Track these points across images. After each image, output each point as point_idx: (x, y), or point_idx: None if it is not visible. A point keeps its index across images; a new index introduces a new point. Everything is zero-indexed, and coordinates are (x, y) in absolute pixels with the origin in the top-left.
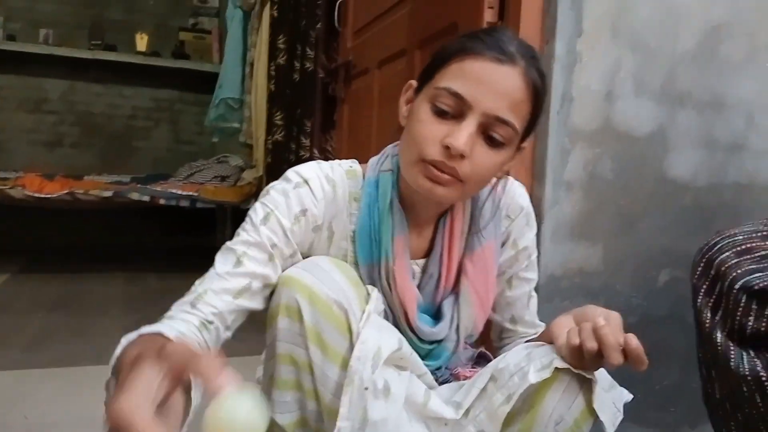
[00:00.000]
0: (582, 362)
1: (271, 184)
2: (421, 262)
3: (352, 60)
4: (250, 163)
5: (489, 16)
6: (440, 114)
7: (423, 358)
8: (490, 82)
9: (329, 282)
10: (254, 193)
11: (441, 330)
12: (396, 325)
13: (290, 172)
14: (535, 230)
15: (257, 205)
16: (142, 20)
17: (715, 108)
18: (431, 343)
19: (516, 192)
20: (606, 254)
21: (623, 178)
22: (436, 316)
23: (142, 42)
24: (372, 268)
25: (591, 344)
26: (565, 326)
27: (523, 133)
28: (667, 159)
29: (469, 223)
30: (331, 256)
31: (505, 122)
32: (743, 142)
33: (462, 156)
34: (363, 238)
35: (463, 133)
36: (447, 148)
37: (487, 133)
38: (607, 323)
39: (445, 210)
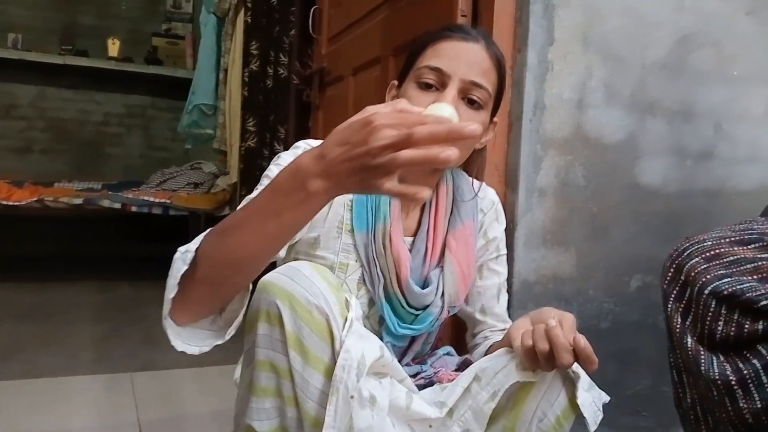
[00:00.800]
0: (537, 364)
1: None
2: (409, 239)
3: (326, 67)
4: (223, 169)
5: (462, 23)
6: (425, 87)
7: (410, 323)
8: (461, 55)
9: (310, 287)
10: (228, 200)
11: (429, 293)
12: (386, 290)
13: (298, 143)
14: (503, 227)
15: (270, 166)
16: (114, 25)
17: (684, 116)
18: (418, 310)
19: (488, 190)
20: (578, 260)
21: (595, 185)
22: (423, 287)
23: (114, 47)
24: (367, 234)
25: (543, 345)
26: (521, 328)
27: (493, 103)
28: (638, 166)
29: (451, 204)
30: (328, 220)
31: (479, 85)
32: (712, 150)
33: None
34: (360, 207)
35: (449, 95)
36: None
37: (467, 96)
38: (559, 324)
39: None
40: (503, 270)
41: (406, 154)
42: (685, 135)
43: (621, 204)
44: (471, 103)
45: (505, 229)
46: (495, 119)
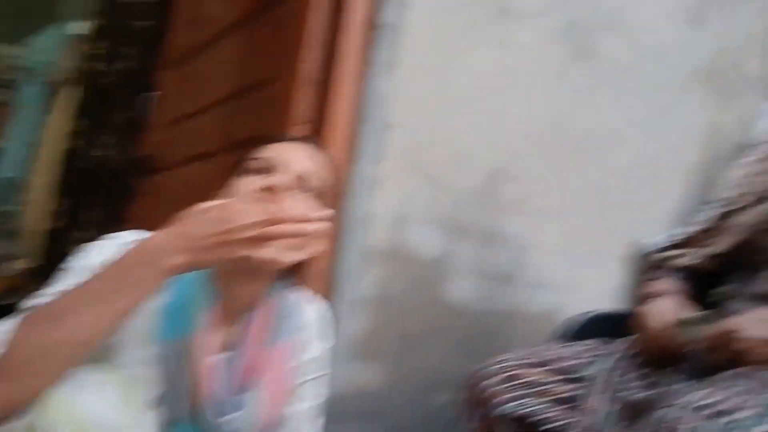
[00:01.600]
0: None
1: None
2: (223, 356)
3: (156, 154)
4: (18, 252)
5: (303, 130)
6: (255, 172)
7: None
8: (296, 150)
9: (94, 406)
10: (21, 285)
11: (236, 418)
12: (188, 410)
13: (118, 233)
14: (329, 344)
15: (73, 259)
16: None
17: (493, 241)
18: None
19: (314, 304)
20: (388, 374)
21: (411, 300)
22: (234, 408)
23: None
24: (173, 346)
25: None
26: None
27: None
28: (449, 284)
29: (275, 319)
30: (133, 326)
31: (313, 179)
32: (514, 274)
33: None
34: (169, 315)
35: (282, 180)
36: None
37: (303, 187)
38: None
39: (252, 306)
40: (322, 391)
41: (279, 227)
42: (491, 258)
43: (431, 320)
44: (306, 192)
45: None
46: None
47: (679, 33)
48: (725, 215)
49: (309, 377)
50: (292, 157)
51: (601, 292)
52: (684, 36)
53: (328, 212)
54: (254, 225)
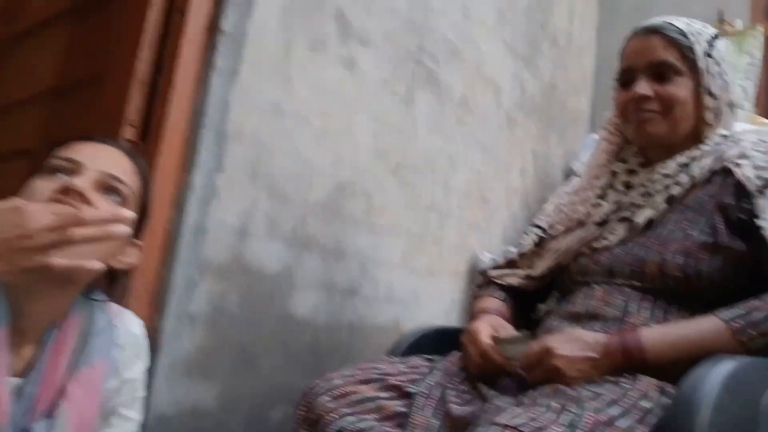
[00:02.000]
0: None
1: None
2: (15, 381)
3: None
4: None
5: (129, 133)
6: (52, 172)
7: None
8: (99, 152)
9: None
10: None
11: None
12: None
13: None
14: (145, 365)
15: None
16: None
17: (336, 255)
18: None
19: (131, 322)
20: (223, 393)
21: (248, 315)
22: None
23: None
24: None
25: None
26: None
27: (138, 220)
28: (292, 298)
29: (78, 340)
30: None
31: (120, 180)
32: (357, 288)
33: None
34: None
35: (83, 181)
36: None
37: (106, 188)
38: None
39: (53, 324)
40: (136, 416)
41: (81, 231)
42: (336, 272)
43: (272, 335)
44: (109, 193)
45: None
46: (139, 242)
47: (513, 68)
48: (541, 241)
49: (122, 401)
50: (96, 158)
51: (442, 306)
52: (517, 71)
53: (130, 215)
54: (49, 229)
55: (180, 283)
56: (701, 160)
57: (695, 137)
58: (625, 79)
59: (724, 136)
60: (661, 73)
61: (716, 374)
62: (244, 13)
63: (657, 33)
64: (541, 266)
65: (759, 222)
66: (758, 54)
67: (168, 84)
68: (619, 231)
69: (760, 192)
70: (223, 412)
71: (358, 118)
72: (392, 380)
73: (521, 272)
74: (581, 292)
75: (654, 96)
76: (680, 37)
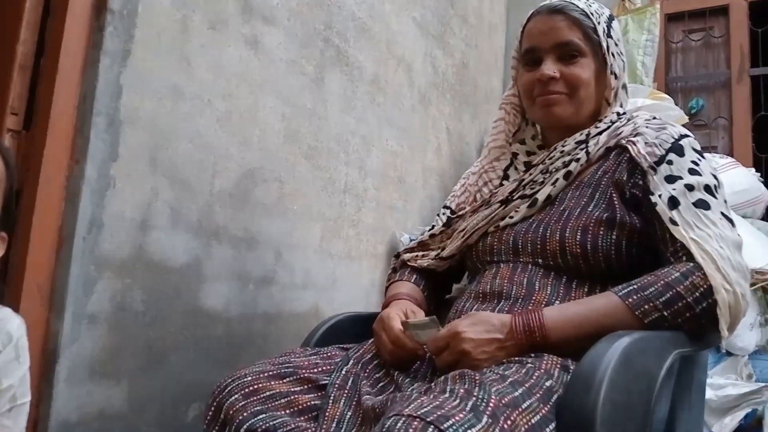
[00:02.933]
0: None
1: None
2: None
3: None
4: None
5: (12, 123)
6: None
7: None
8: None
9: None
10: None
11: None
12: None
13: None
14: (25, 369)
15: None
16: None
17: (248, 243)
18: None
19: (11, 321)
20: (131, 393)
21: (154, 311)
22: None
23: None
24: None
25: None
26: None
27: None
28: (201, 291)
29: None
30: None
31: None
32: (272, 276)
33: None
34: None
35: None
36: None
37: None
38: None
39: None
40: (19, 423)
41: None
42: (248, 261)
43: (182, 330)
44: None
45: (45, 363)
46: (3, 234)
47: (424, 47)
48: (450, 221)
49: (3, 410)
50: None
51: (362, 289)
52: (429, 50)
53: None
54: None
55: (77, 282)
56: (597, 138)
57: (595, 116)
58: (531, 59)
59: (619, 114)
60: (566, 53)
61: (612, 350)
62: None
63: (560, 13)
64: (450, 247)
65: (651, 198)
66: (656, 30)
67: (52, 68)
68: (521, 209)
69: (653, 168)
70: (133, 414)
71: (265, 100)
72: (305, 373)
73: (432, 253)
74: (489, 271)
75: (560, 77)
76: (583, 18)
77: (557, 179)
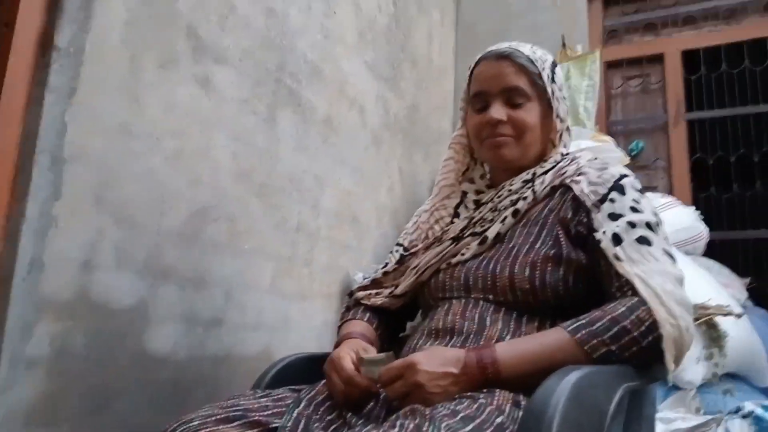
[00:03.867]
0: None
1: None
2: None
3: None
4: None
5: None
6: None
7: None
8: None
9: None
10: None
11: None
12: None
13: None
14: None
15: None
16: None
17: (197, 284)
18: None
19: None
20: None
21: (98, 354)
22: None
23: None
24: None
25: None
26: None
27: None
28: (147, 333)
29: None
30: None
31: None
32: (222, 317)
33: None
34: None
35: None
36: None
37: None
38: None
39: None
40: None
41: None
42: (197, 302)
43: (127, 374)
44: None
45: None
46: None
47: (376, 89)
48: (402, 259)
49: None
50: None
51: (314, 330)
52: (381, 92)
53: None
54: None
55: (14, 325)
56: (543, 177)
57: (541, 157)
58: (479, 102)
59: (563, 155)
60: (513, 98)
61: (563, 386)
62: (81, 27)
63: (507, 59)
64: (403, 284)
65: (596, 235)
66: (596, 77)
67: None
68: (472, 246)
69: (596, 207)
70: None
71: (216, 139)
72: (255, 416)
73: (386, 291)
74: (441, 308)
75: (507, 120)
76: (529, 64)
77: (506, 217)
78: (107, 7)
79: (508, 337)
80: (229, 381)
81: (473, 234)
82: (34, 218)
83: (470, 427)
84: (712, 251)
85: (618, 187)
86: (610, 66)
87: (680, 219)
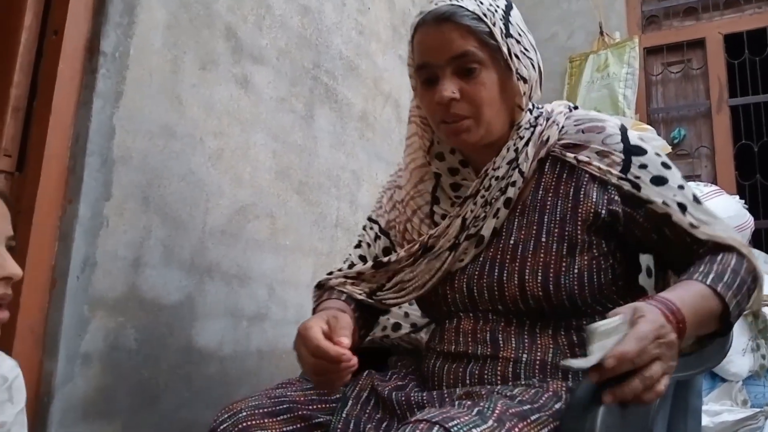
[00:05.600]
0: None
1: None
2: None
3: None
4: None
5: (5, 164)
6: None
7: None
8: None
9: None
10: None
11: None
12: None
13: None
14: (19, 408)
15: None
16: None
17: (241, 280)
18: None
19: (2, 361)
20: None
21: (148, 349)
22: None
23: None
24: None
25: None
26: None
27: None
28: (195, 328)
29: None
30: None
31: None
32: (265, 312)
33: None
34: None
35: None
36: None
37: None
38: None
39: None
40: None
41: None
42: (241, 297)
43: (175, 368)
44: None
45: (39, 405)
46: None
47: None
48: (380, 265)
49: None
50: None
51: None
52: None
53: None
54: None
55: (70, 322)
56: (525, 151)
57: (511, 124)
58: (426, 75)
59: (536, 116)
60: (463, 66)
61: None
62: (125, 32)
63: (448, 21)
64: (392, 300)
65: (654, 208)
66: (636, 64)
67: (45, 109)
68: (470, 250)
69: (627, 181)
70: None
71: (255, 137)
72: (301, 411)
73: (365, 287)
74: (450, 324)
75: (461, 96)
76: (475, 23)
77: (498, 209)
78: (149, 11)
79: (524, 355)
80: (272, 375)
81: (469, 237)
82: (86, 218)
83: (527, 407)
84: (758, 240)
85: (633, 149)
86: (650, 52)
87: (725, 208)
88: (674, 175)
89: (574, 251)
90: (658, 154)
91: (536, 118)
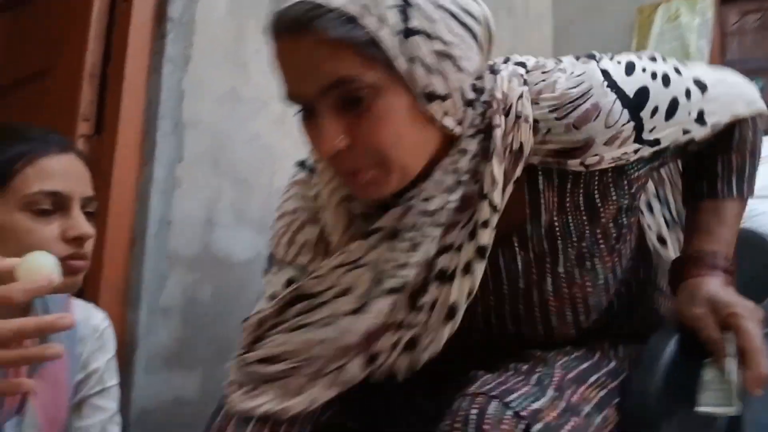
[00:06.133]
0: None
1: None
2: None
3: None
4: None
5: (84, 128)
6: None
7: None
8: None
9: None
10: None
11: None
12: None
13: None
14: (110, 355)
15: None
16: None
17: None
18: None
19: (93, 315)
20: (203, 382)
21: (222, 304)
22: None
23: None
24: None
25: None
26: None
27: None
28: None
29: (37, 339)
30: None
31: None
32: None
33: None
34: None
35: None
36: (75, 240)
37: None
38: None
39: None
40: (110, 404)
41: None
42: None
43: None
44: (88, 216)
45: (125, 354)
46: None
47: None
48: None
49: (93, 391)
50: (71, 182)
51: None
52: None
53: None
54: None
55: (150, 277)
56: (489, 172)
57: (444, 144)
58: (301, 107)
59: (481, 111)
60: (344, 98)
61: (671, 342)
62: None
63: (309, 32)
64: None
65: (678, 141)
66: (709, 13)
67: (119, 75)
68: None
69: (643, 141)
70: (204, 402)
71: None
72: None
73: None
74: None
75: (353, 141)
76: (349, 28)
77: (470, 262)
78: None
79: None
80: None
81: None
82: (161, 180)
83: (586, 365)
84: None
85: (635, 101)
86: (725, 1)
87: None
88: (671, 74)
89: (593, 262)
90: (644, 69)
91: (483, 114)
